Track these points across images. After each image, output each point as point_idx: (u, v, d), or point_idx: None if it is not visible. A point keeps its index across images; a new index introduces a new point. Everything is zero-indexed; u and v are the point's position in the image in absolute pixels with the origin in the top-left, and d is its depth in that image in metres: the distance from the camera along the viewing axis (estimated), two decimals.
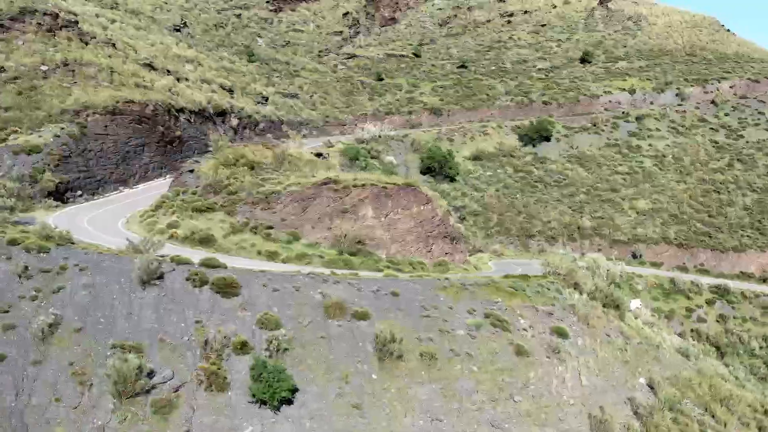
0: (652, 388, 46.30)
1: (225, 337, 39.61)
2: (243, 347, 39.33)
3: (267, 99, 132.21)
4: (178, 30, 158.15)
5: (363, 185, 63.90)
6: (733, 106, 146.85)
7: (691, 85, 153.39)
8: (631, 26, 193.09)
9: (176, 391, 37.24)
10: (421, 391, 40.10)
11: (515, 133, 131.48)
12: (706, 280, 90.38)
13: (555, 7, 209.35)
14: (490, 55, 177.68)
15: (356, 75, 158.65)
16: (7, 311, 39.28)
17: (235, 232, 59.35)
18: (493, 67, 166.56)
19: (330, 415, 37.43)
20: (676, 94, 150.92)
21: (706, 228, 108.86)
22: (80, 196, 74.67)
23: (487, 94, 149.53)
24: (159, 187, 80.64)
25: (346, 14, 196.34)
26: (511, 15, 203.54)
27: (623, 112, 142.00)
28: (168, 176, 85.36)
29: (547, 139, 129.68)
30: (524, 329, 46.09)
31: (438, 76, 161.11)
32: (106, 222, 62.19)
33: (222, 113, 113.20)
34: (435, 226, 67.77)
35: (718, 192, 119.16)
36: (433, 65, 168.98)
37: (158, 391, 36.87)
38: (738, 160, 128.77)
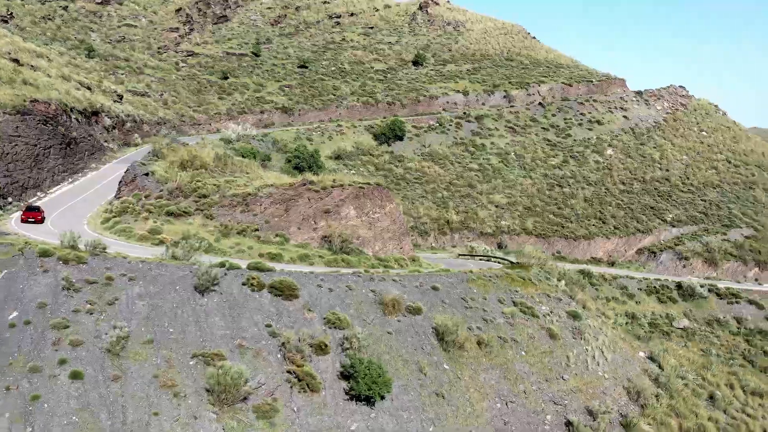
0: (652, 359, 52.21)
1: (301, 340, 39.43)
2: (323, 348, 39.38)
3: (122, 97, 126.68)
4: (5, 21, 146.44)
5: (341, 186, 64.67)
6: (558, 108, 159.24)
7: (516, 88, 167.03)
8: (452, 31, 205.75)
9: (272, 395, 36.65)
10: (487, 376, 42.46)
11: (369, 133, 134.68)
12: (568, 266, 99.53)
13: (377, 10, 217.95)
14: (327, 55, 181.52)
15: (200, 73, 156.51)
16: (67, 326, 36.32)
17: (225, 236, 57.78)
18: (333, 68, 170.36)
19: (421, 405, 38.70)
20: (504, 96, 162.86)
21: (558, 219, 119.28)
22: (10, 203, 68.18)
23: (334, 94, 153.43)
24: (76, 191, 75.70)
25: (178, 10, 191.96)
26: (339, 17, 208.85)
27: (464, 113, 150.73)
28: (71, 179, 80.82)
29: (401, 138, 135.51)
30: (546, 314, 49.98)
31: (282, 76, 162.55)
32: (72, 228, 57.63)
33: (96, 113, 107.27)
34: (401, 224, 70.07)
35: (561, 186, 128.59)
36: (274, 65, 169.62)
37: (255, 396, 36.06)
38: (571, 156, 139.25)
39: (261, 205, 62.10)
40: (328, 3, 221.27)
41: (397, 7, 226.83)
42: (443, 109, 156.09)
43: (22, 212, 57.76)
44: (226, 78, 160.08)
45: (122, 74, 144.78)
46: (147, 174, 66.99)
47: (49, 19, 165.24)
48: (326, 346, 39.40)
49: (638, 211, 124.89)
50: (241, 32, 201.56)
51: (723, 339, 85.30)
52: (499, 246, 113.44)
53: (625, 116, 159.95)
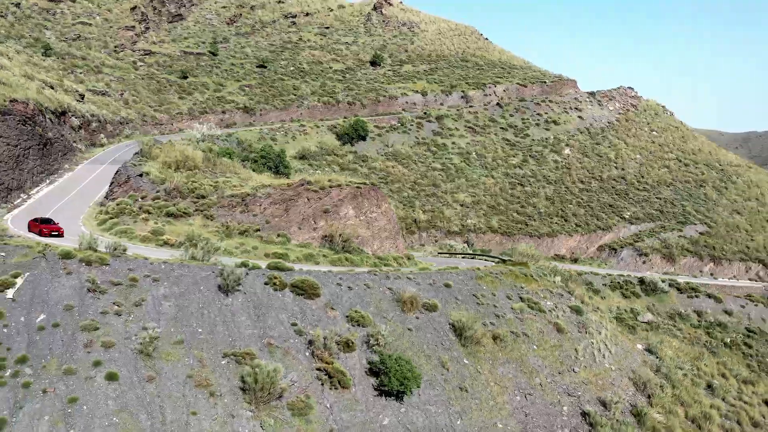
0: (650, 351, 54.20)
1: (327, 338, 39.96)
2: (350, 345, 39.99)
3: (83, 97, 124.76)
4: None
5: (339, 186, 65.19)
6: (515, 108, 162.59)
7: (473, 89, 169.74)
8: (407, 32, 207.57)
9: (305, 392, 37.14)
10: (504, 370, 43.66)
11: (332, 133, 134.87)
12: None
13: (332, 10, 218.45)
14: (285, 55, 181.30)
15: (159, 72, 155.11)
16: (97, 328, 36.15)
17: (229, 236, 57.76)
18: (292, 68, 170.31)
19: (447, 399, 39.64)
20: (462, 96, 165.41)
21: (521, 217, 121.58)
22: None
23: (294, 94, 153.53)
24: (58, 193, 74.48)
25: (133, 8, 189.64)
26: (295, 17, 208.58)
27: (425, 113, 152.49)
28: (49, 181, 79.52)
29: (364, 138, 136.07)
30: (552, 309, 51.48)
31: (241, 76, 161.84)
32: (68, 230, 56.91)
33: (63, 112, 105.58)
34: (395, 223, 70.86)
35: (522, 185, 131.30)
36: (233, 64, 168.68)
37: (289, 394, 36.51)
38: (531, 156, 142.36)
39: (260, 205, 62.19)
40: (283, 2, 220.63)
41: (351, 8, 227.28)
42: (403, 110, 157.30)
43: (35, 224, 52.88)
44: (185, 77, 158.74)
45: (81, 73, 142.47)
46: (141, 175, 66.37)
47: (1, 16, 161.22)
48: (352, 343, 40.01)
49: (598, 209, 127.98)
50: (197, 31, 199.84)
51: (685, 332, 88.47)
52: (467, 244, 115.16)
53: (580, 116, 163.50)
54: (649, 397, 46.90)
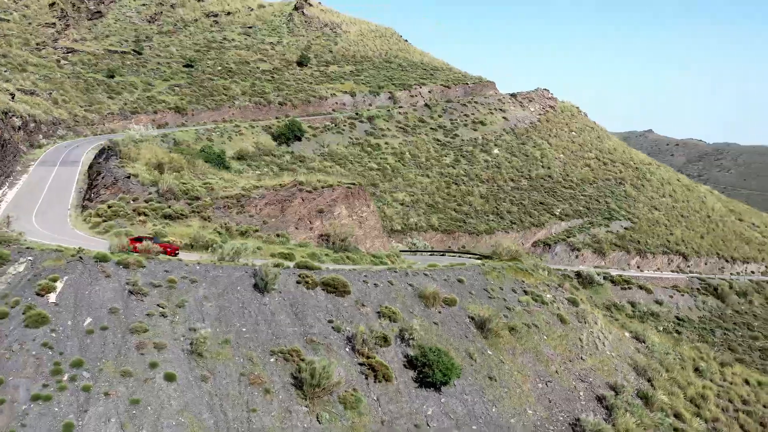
0: (637, 339, 57.92)
1: (365, 333, 41.29)
2: (386, 339, 41.46)
3: (13, 96, 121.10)
4: None
5: (331, 186, 66.25)
6: (443, 109, 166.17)
7: (399, 89, 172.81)
8: (330, 33, 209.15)
9: (352, 386, 38.38)
10: (523, 360, 46.07)
11: (267, 133, 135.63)
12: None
13: (252, 9, 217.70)
14: (211, 54, 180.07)
15: (85, 71, 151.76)
16: (146, 330, 36.31)
17: (232, 237, 57.93)
18: (220, 68, 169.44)
19: (480, 388, 41.68)
20: (389, 97, 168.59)
21: (459, 215, 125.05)
22: None
23: (225, 95, 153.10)
24: (27, 196, 71.87)
25: (52, 4, 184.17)
26: (217, 16, 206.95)
27: (356, 113, 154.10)
28: (9, 183, 77.19)
29: (299, 138, 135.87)
30: (552, 301, 54.37)
31: (169, 75, 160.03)
32: (64, 234, 55.81)
33: (5, 113, 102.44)
34: (380, 221, 72.45)
35: (457, 184, 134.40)
36: (159, 63, 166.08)
37: (338, 388, 37.71)
38: (462, 156, 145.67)
39: (256, 206, 62.58)
40: (203, 1, 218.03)
41: (272, 7, 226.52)
42: (333, 110, 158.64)
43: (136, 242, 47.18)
44: (112, 77, 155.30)
45: (6, 72, 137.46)
46: (129, 176, 65.42)
47: None
48: (388, 338, 41.48)
49: (530, 207, 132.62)
50: (118, 29, 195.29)
51: (621, 321, 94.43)
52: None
53: (504, 117, 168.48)
54: (649, 380, 50.39)
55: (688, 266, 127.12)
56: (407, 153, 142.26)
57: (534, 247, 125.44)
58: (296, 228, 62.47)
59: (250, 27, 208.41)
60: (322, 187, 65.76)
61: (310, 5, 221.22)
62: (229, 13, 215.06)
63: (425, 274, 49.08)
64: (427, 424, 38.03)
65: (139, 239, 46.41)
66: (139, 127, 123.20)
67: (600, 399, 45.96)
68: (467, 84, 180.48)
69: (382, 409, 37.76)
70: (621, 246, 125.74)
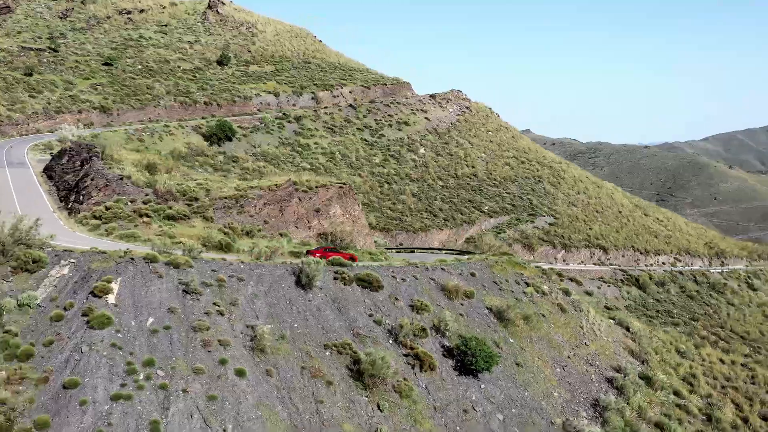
0: (620, 325, 62.39)
1: (404, 325, 43.34)
2: (424, 331, 43.66)
3: None
4: None
5: (325, 186, 67.56)
6: (367, 109, 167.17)
7: (321, 90, 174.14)
8: (246, 32, 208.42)
9: (402, 375, 40.39)
10: (539, 347, 49.27)
11: (198, 133, 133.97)
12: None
13: (164, 7, 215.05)
14: (129, 53, 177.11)
15: (0, 69, 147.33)
16: (208, 328, 37.01)
17: (238, 237, 58.45)
18: (140, 66, 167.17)
19: (510, 374, 44.51)
20: (312, 98, 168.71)
21: (395, 214, 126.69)
22: None
23: (150, 94, 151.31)
24: None
25: None
26: (130, 13, 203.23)
27: (284, 113, 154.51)
28: None
29: (230, 138, 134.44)
30: (550, 292, 57.98)
31: (88, 74, 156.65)
32: (63, 237, 54.74)
33: None
34: (365, 219, 74.21)
35: (389, 183, 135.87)
36: (76, 61, 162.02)
37: (392, 378, 39.63)
38: (390, 156, 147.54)
39: (255, 206, 63.18)
40: None
41: (183, 5, 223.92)
42: (258, 110, 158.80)
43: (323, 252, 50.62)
44: (30, 74, 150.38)
45: None
46: (121, 178, 64.49)
47: None
48: (425, 330, 43.69)
49: (460, 204, 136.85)
50: (30, 25, 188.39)
51: None
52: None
53: (426, 118, 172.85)
54: (643, 362, 54.73)
55: (608, 259, 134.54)
56: (337, 153, 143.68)
57: (467, 243, 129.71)
58: (296, 227, 63.49)
59: (165, 25, 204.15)
60: (317, 187, 66.98)
61: (223, 3, 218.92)
62: (142, 11, 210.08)
63: (442, 269, 51.50)
64: (474, 409, 40.47)
65: (323, 249, 50.77)
66: (70, 127, 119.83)
67: (610, 381, 49.74)
68: (385, 85, 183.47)
69: (431, 396, 39.89)
70: (548, 241, 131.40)
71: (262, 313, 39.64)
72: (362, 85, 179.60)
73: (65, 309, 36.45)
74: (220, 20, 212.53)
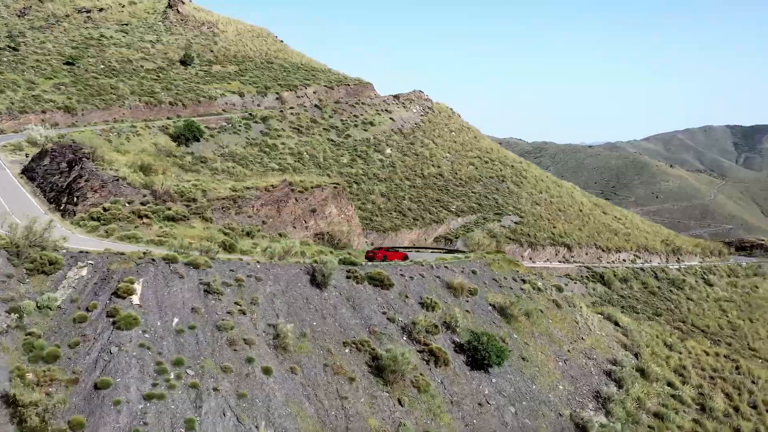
0: (608, 319, 64.47)
1: (417, 322, 44.44)
2: (436, 327, 44.81)
3: None
4: None
5: (320, 186, 68.19)
6: (333, 110, 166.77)
7: (286, 90, 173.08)
8: (207, 32, 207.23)
9: (418, 371, 41.49)
10: (541, 341, 50.83)
11: (165, 134, 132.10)
12: None
13: (123, 6, 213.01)
14: (91, 52, 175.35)
15: None
16: (232, 327, 37.66)
17: (239, 237, 58.77)
18: (102, 66, 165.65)
19: (518, 369, 45.95)
20: (277, 98, 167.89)
21: (366, 213, 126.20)
22: None
23: (114, 94, 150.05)
24: None
25: None
26: (89, 12, 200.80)
27: (250, 114, 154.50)
28: None
29: (198, 139, 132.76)
30: (544, 288, 59.67)
31: (50, 73, 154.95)
32: (64, 239, 54.41)
33: None
34: (358, 219, 75.04)
35: (357, 183, 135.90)
36: (37, 60, 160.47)
37: (410, 374, 40.68)
38: (358, 156, 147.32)
39: (253, 206, 63.53)
40: None
41: (143, 4, 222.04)
42: (223, 110, 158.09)
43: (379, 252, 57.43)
44: None
45: None
46: (117, 179, 64.16)
47: None
48: (437, 326, 44.86)
49: (428, 204, 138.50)
50: None
51: None
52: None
53: (391, 118, 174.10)
54: (636, 355, 56.78)
55: (572, 256, 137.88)
56: (305, 153, 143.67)
57: (437, 242, 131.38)
58: (294, 227, 64.03)
59: (125, 24, 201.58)
60: (312, 187, 67.59)
61: (183, 2, 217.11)
62: (101, 9, 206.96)
63: (445, 267, 52.73)
64: (488, 402, 41.78)
65: (379, 249, 56.70)
66: (37, 127, 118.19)
67: (608, 373, 51.60)
68: (348, 85, 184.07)
69: (447, 390, 41.06)
70: (514, 239, 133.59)
71: (282, 312, 40.26)
72: (326, 86, 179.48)
73: (88, 310, 36.56)
74: (181, 19, 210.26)
